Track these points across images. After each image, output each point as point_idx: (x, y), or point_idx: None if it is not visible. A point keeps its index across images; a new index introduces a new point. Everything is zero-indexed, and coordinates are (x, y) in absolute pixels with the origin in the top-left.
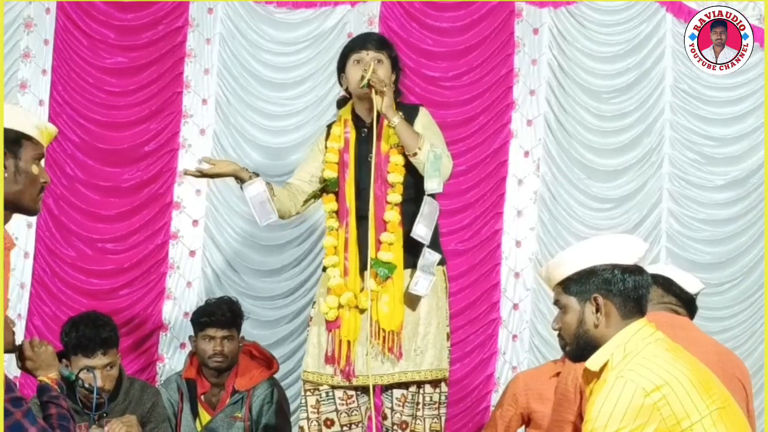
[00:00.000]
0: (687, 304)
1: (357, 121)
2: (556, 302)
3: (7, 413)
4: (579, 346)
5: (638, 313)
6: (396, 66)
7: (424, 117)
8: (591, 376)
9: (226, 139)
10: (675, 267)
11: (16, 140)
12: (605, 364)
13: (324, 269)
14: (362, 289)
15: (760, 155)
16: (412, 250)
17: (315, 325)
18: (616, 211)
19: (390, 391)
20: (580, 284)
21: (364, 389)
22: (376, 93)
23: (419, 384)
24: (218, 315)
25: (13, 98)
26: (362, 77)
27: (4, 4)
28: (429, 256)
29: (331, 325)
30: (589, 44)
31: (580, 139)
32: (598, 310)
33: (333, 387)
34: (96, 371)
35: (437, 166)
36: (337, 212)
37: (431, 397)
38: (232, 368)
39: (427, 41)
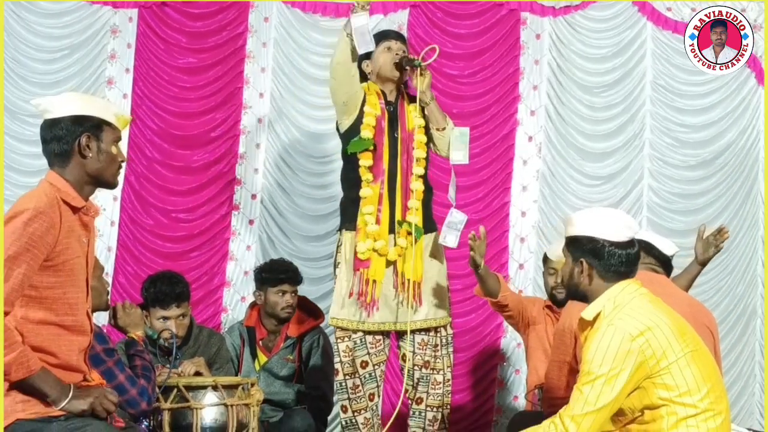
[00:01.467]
0: (664, 264)
1: (385, 96)
2: (563, 251)
3: (101, 361)
4: (569, 293)
5: (622, 278)
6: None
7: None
8: (585, 325)
9: (279, 127)
10: (654, 233)
11: (98, 125)
12: (598, 315)
13: (340, 228)
14: (395, 244)
15: (724, 140)
16: (426, 218)
17: (344, 272)
18: (605, 187)
19: (412, 336)
20: (575, 246)
21: (387, 333)
22: (421, 74)
23: (436, 329)
24: (291, 274)
25: (101, 93)
26: (411, 59)
27: (93, 12)
28: (456, 214)
29: (360, 264)
30: (583, 47)
31: (575, 126)
32: (582, 271)
33: (365, 333)
34: (170, 321)
35: (463, 140)
36: (370, 168)
37: (446, 339)
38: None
39: (447, 45)
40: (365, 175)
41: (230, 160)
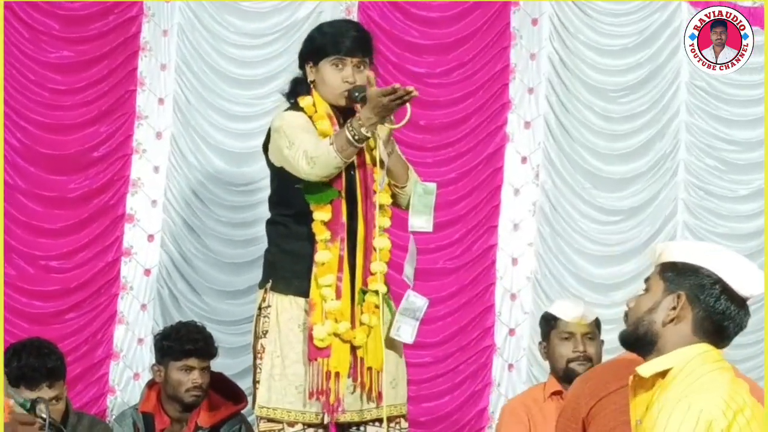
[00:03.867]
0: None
1: (339, 121)
2: (647, 280)
3: None
4: (636, 333)
5: (712, 338)
6: (372, 62)
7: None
8: (640, 384)
9: (186, 144)
10: None
11: None
12: (660, 373)
13: (268, 287)
14: (361, 324)
15: None
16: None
17: (272, 353)
18: (626, 225)
19: (363, 428)
20: (678, 274)
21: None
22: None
23: (396, 419)
24: (201, 343)
25: None
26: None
27: None
28: (414, 299)
29: (317, 353)
30: (595, 36)
31: (584, 143)
32: (675, 307)
33: (305, 426)
34: (42, 405)
35: (427, 201)
36: (327, 224)
37: None
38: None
39: (412, 33)
40: (321, 234)
41: (119, 189)
